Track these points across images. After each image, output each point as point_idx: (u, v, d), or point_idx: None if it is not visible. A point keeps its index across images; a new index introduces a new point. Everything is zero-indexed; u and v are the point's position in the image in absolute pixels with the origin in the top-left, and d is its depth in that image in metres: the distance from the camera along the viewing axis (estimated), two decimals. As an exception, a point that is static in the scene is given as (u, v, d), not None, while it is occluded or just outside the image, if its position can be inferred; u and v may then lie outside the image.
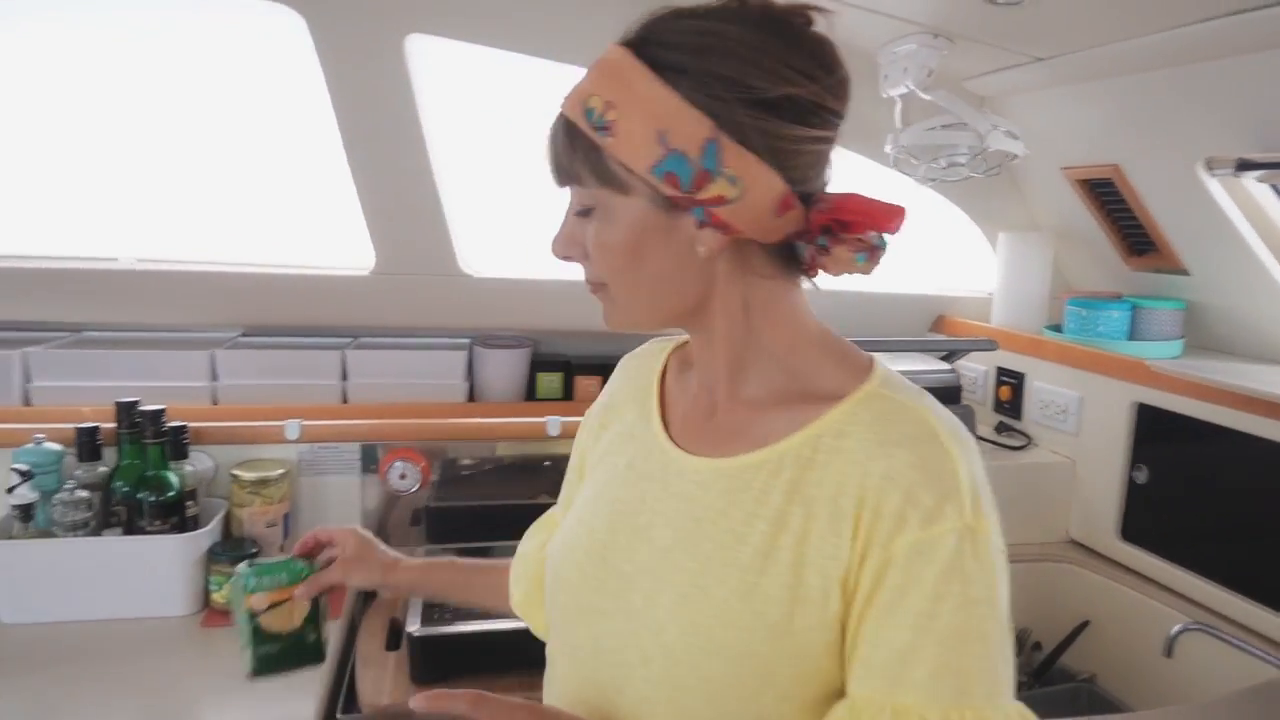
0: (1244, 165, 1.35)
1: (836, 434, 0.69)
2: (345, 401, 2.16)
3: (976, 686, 0.61)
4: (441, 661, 1.25)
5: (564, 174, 0.73)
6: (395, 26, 1.76)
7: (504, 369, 2.27)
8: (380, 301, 2.11)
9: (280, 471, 1.50)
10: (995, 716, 0.61)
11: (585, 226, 0.73)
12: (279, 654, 1.19)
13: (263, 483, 1.48)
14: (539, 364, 2.31)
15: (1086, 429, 1.76)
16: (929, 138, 1.62)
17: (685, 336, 0.84)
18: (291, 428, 1.54)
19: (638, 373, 0.88)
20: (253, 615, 1.15)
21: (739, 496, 0.71)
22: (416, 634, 1.24)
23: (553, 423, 1.58)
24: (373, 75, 1.80)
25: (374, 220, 2.00)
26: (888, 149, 1.69)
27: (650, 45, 0.68)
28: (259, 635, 1.16)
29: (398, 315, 2.16)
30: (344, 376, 2.16)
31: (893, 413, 0.68)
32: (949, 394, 1.91)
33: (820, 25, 0.68)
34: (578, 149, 0.71)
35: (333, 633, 1.34)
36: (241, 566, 1.14)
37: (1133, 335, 1.70)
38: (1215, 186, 1.49)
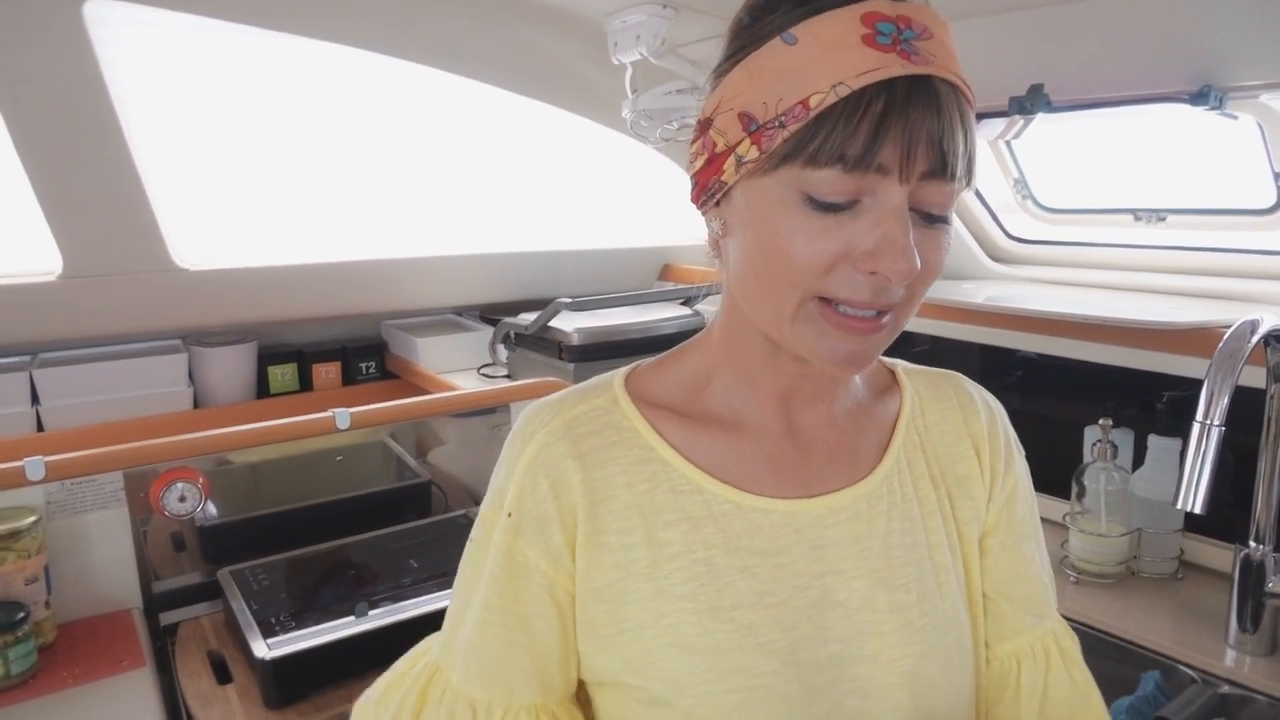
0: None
1: (920, 414, 0.75)
2: (40, 429, 1.88)
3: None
4: (300, 679, 1.18)
5: (968, 166, 0.60)
6: (69, -9, 1.53)
7: (230, 367, 2.10)
8: (71, 309, 1.85)
9: (31, 519, 1.28)
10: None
11: (927, 236, 0.60)
12: None
13: (13, 535, 1.26)
14: (267, 357, 2.16)
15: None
16: (664, 101, 1.76)
17: (596, 395, 0.70)
18: (33, 465, 1.32)
19: (604, 455, 0.68)
20: None
21: (903, 507, 0.70)
22: (269, 658, 1.16)
23: (341, 415, 1.50)
24: (45, 51, 1.55)
25: (58, 218, 1.74)
26: (625, 114, 1.79)
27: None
28: None
29: (94, 323, 1.90)
30: (35, 400, 1.87)
31: (938, 380, 0.78)
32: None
33: None
34: (971, 138, 0.60)
35: (142, 684, 1.20)
36: None
37: (837, 266, 1.99)
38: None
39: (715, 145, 0.62)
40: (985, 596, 0.75)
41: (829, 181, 0.57)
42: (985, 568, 0.75)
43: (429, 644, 0.74)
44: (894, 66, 0.55)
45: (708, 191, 0.65)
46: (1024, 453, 0.79)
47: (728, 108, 0.61)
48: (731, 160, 0.61)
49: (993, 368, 1.70)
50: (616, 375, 0.73)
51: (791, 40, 0.58)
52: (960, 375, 0.80)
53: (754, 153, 0.59)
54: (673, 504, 0.66)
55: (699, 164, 0.65)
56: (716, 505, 0.66)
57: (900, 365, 0.80)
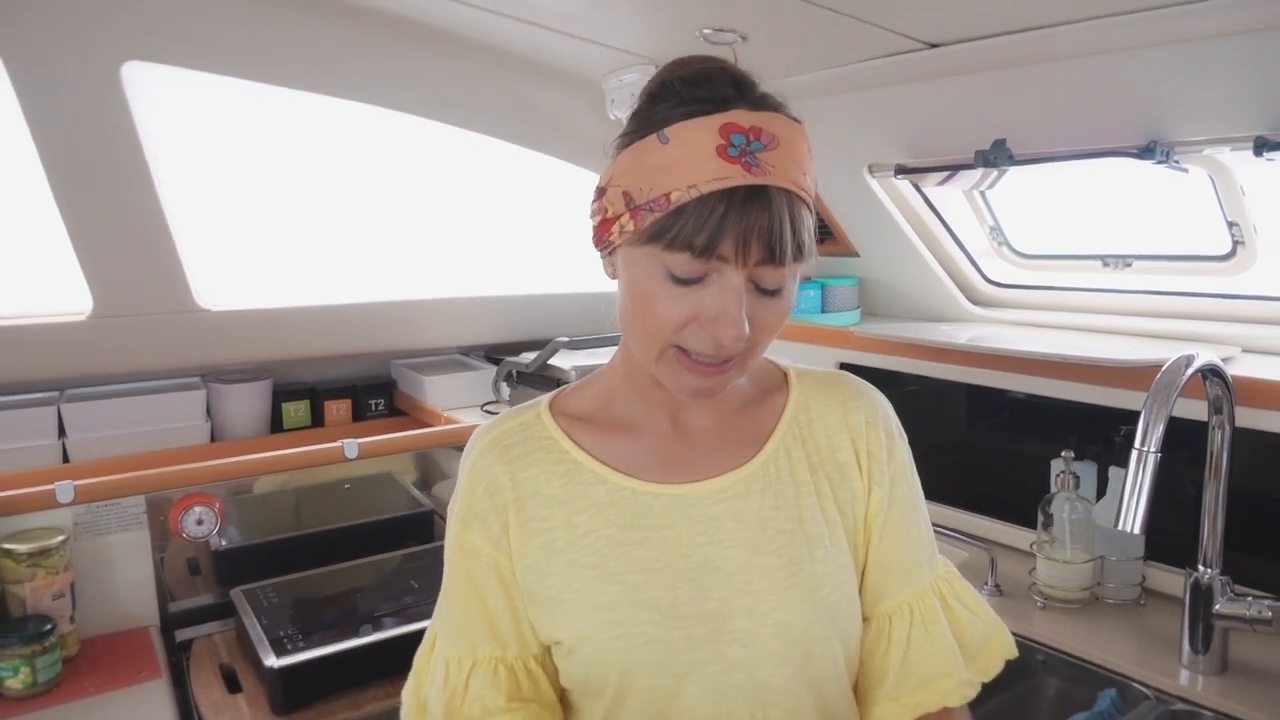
0: (901, 170, 1.74)
1: (804, 409, 0.87)
2: (66, 460, 1.97)
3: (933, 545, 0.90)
4: (306, 688, 1.26)
5: (798, 252, 0.72)
6: (109, 54, 1.67)
7: (246, 404, 2.20)
8: (99, 347, 1.96)
9: (60, 538, 1.38)
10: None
11: (762, 303, 0.74)
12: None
13: (42, 553, 1.35)
14: (281, 394, 2.26)
15: (799, 389, 2.13)
16: (657, 154, 1.87)
17: (524, 413, 0.86)
18: (63, 489, 1.41)
19: (526, 460, 0.83)
20: None
21: (777, 488, 0.83)
22: (277, 666, 1.24)
23: (349, 445, 1.60)
24: (86, 107, 1.68)
25: (90, 261, 1.85)
26: (622, 165, 1.91)
27: (798, 122, 0.76)
28: None
29: (120, 360, 2.01)
30: (62, 433, 1.98)
31: (828, 379, 0.90)
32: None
33: None
34: (809, 224, 0.74)
35: (158, 693, 1.28)
36: None
37: (824, 309, 2.09)
38: (876, 186, 1.89)
39: (606, 211, 0.77)
40: (869, 566, 0.86)
41: (681, 263, 0.71)
42: (872, 544, 0.86)
43: None
44: (737, 177, 0.69)
45: (602, 244, 0.79)
46: (906, 438, 0.90)
47: (617, 183, 0.75)
48: (617, 226, 0.75)
49: (974, 406, 1.79)
50: (545, 397, 0.89)
51: (665, 140, 0.72)
52: (850, 375, 0.92)
53: (631, 226, 0.73)
54: (583, 494, 0.82)
55: (595, 221, 0.79)
56: (617, 493, 0.82)
57: (794, 369, 0.91)
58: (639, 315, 0.76)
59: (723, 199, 0.69)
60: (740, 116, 0.71)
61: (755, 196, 0.69)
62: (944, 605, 0.87)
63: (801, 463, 0.84)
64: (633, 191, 0.73)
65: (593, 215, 0.80)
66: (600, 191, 0.78)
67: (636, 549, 0.80)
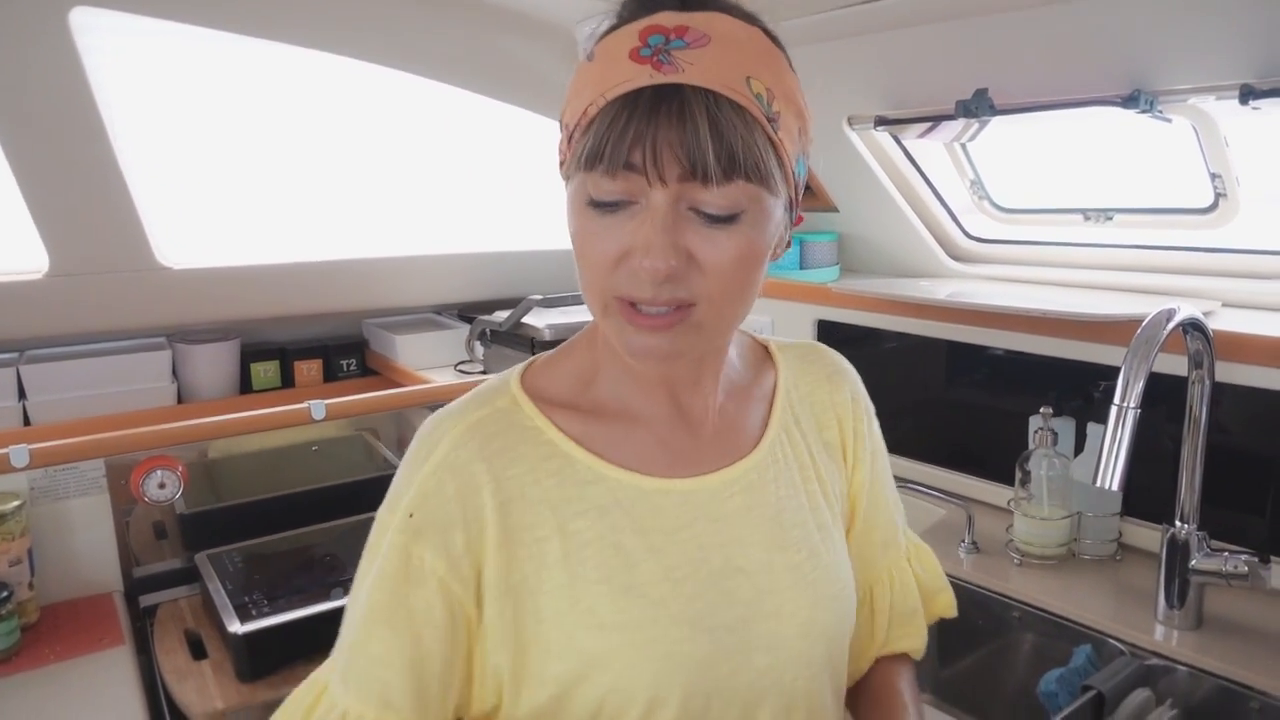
0: (881, 121, 1.70)
1: (794, 386, 0.82)
2: (27, 423, 1.93)
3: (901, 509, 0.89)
4: (270, 654, 1.24)
5: (731, 167, 0.60)
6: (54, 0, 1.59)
7: (213, 364, 2.16)
8: (57, 307, 1.90)
9: (16, 504, 1.34)
10: None
11: (707, 235, 0.62)
12: None
13: (-2, 519, 1.32)
14: (250, 354, 2.21)
15: (777, 347, 2.10)
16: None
17: (497, 398, 0.72)
18: (18, 453, 1.37)
19: (511, 454, 0.69)
20: None
21: (786, 475, 0.76)
22: (241, 632, 1.21)
23: (316, 406, 1.56)
24: (32, 56, 1.61)
25: (44, 217, 1.79)
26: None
27: (768, 32, 0.66)
28: None
29: (80, 320, 1.96)
30: (21, 396, 1.93)
31: (807, 353, 0.85)
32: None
33: None
34: (757, 138, 0.61)
35: (121, 660, 1.26)
36: None
37: (803, 265, 2.05)
38: (855, 139, 1.85)
39: (561, 151, 0.69)
40: (854, 541, 0.84)
41: (597, 182, 0.62)
42: (857, 517, 0.84)
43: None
44: (641, 78, 0.59)
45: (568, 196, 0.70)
46: (873, 410, 0.87)
47: (563, 121, 0.67)
48: (563, 166, 0.67)
49: (953, 362, 1.77)
50: (511, 377, 0.75)
51: (590, 57, 0.64)
52: (824, 347, 0.87)
53: (568, 158, 0.66)
54: (579, 495, 0.69)
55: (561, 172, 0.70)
56: (620, 491, 0.70)
57: (772, 341, 0.86)
58: (578, 262, 0.66)
59: (627, 103, 0.60)
60: (666, 17, 0.62)
61: (664, 98, 0.59)
62: (913, 568, 0.88)
63: (800, 444, 0.79)
64: (568, 120, 0.66)
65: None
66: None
67: (652, 556, 0.69)
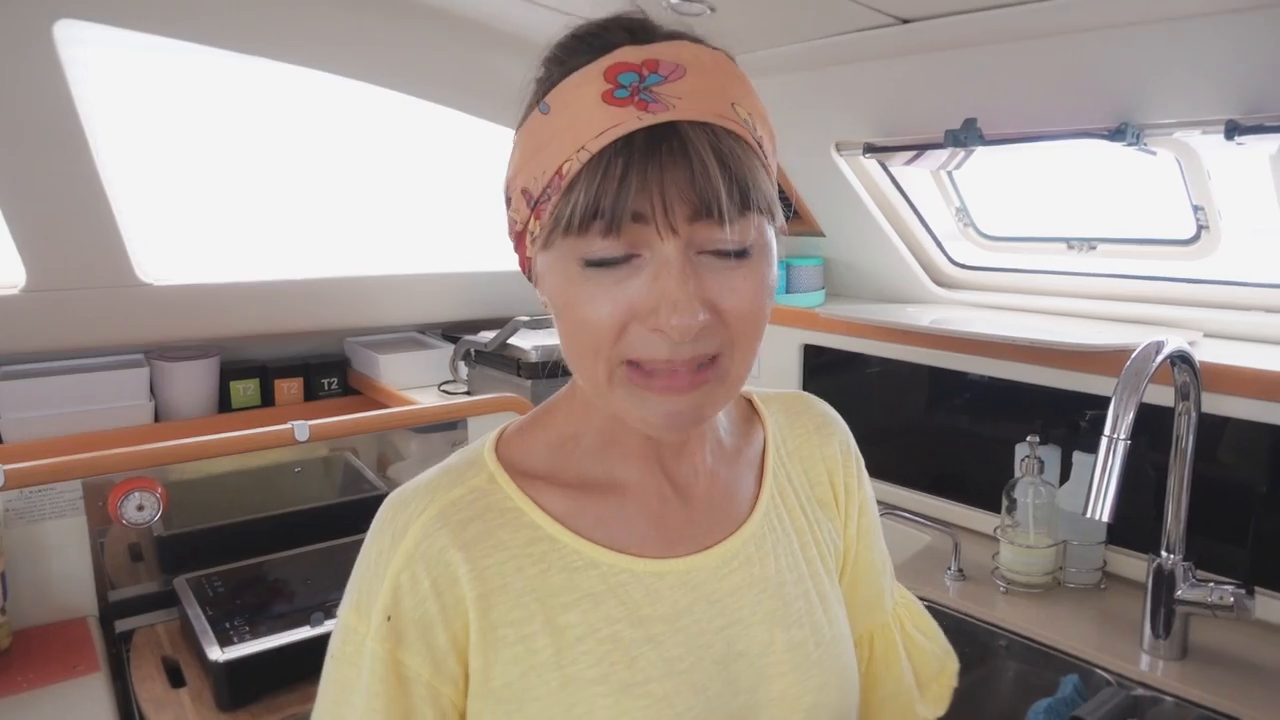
0: (869, 149, 1.71)
1: (783, 442, 0.77)
2: (0, 441, 1.89)
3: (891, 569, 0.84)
4: (253, 682, 1.21)
5: (744, 200, 0.56)
6: (40, 12, 1.57)
7: (192, 382, 2.12)
8: (34, 322, 1.87)
9: (-11, 526, 1.31)
10: None
11: (724, 279, 0.57)
12: None
13: (-30, 542, 1.28)
14: (230, 372, 2.18)
15: (765, 369, 2.10)
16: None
17: (471, 475, 0.66)
18: (-9, 475, 1.34)
19: (489, 541, 0.63)
20: None
21: (784, 543, 0.71)
22: (223, 660, 1.19)
23: (300, 427, 1.54)
24: (15, 68, 1.59)
25: (22, 231, 1.77)
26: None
27: (726, 53, 0.62)
28: None
29: (56, 336, 1.93)
30: (-8, 413, 1.89)
31: (792, 404, 0.80)
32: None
33: None
34: (757, 168, 0.58)
35: (96, 688, 1.22)
36: None
37: (789, 289, 2.06)
38: (843, 164, 1.86)
39: (515, 224, 0.63)
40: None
41: (595, 242, 0.56)
42: (844, 577, 0.79)
43: None
44: (630, 121, 0.54)
45: (526, 270, 0.65)
46: (862, 461, 0.82)
47: (516, 186, 0.61)
48: (528, 238, 0.61)
49: (938, 388, 1.78)
50: (485, 447, 0.68)
51: (545, 110, 0.58)
52: (810, 395, 0.82)
53: (538, 228, 0.59)
54: (568, 583, 0.63)
55: (513, 244, 0.65)
56: (613, 577, 0.64)
57: (755, 393, 0.80)
58: (571, 335, 0.60)
59: (620, 150, 0.54)
60: (628, 53, 0.56)
61: (661, 138, 0.54)
62: (902, 633, 0.82)
63: (794, 506, 0.74)
64: (530, 186, 0.58)
65: (509, 235, 0.65)
66: (507, 201, 0.63)
67: (653, 649, 0.63)
